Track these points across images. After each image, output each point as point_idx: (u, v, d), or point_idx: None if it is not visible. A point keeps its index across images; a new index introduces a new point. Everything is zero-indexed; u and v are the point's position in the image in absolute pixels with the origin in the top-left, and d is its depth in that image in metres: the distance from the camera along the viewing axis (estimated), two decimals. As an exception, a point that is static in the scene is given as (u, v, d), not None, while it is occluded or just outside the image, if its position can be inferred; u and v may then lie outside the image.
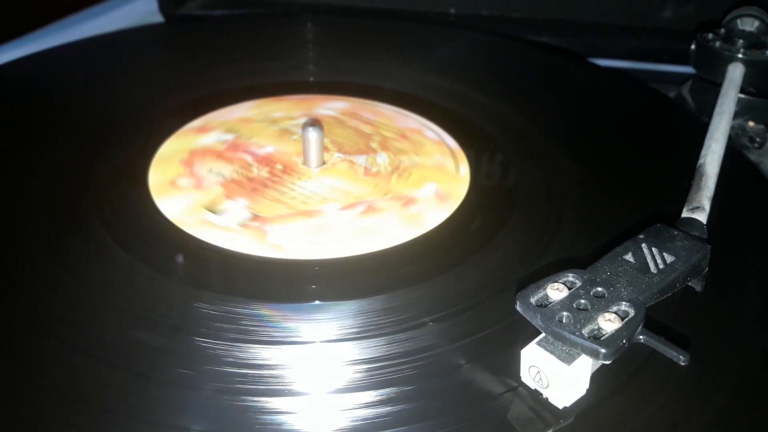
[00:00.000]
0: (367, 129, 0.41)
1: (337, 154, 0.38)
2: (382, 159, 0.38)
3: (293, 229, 0.34)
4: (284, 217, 0.34)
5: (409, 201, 0.35)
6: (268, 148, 0.39)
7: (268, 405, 0.25)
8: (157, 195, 0.36)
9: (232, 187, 0.36)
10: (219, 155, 0.39)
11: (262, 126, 0.42)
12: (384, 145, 0.40)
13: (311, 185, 0.37)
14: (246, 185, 0.36)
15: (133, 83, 0.47)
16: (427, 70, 0.49)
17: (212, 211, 0.34)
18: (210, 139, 0.40)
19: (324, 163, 0.38)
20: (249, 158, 0.39)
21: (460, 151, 0.40)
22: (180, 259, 0.32)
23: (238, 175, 0.37)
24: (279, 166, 0.38)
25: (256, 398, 0.25)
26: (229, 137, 0.40)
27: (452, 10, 0.59)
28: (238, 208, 0.35)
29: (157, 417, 0.25)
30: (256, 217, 0.34)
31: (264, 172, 0.37)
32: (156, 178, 0.37)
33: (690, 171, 0.35)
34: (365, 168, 0.37)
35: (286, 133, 0.41)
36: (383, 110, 0.44)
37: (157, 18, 0.60)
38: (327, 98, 0.45)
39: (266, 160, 0.39)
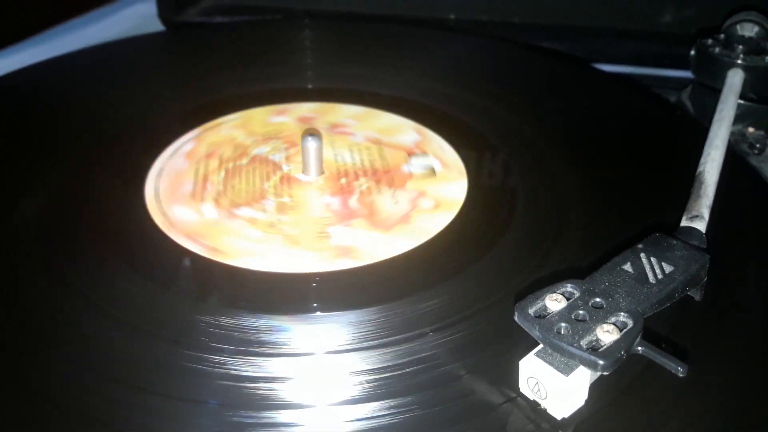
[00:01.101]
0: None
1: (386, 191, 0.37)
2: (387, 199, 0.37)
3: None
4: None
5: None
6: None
7: (269, 418, 0.25)
8: (153, 205, 0.36)
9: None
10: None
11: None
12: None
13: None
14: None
15: (132, 92, 0.47)
16: (425, 75, 0.49)
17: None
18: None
19: (323, 172, 0.38)
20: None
21: (457, 159, 0.40)
22: (184, 266, 0.32)
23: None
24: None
25: (256, 412, 0.25)
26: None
27: (452, 16, 0.59)
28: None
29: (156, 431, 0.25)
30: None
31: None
32: (154, 187, 0.37)
33: (690, 177, 0.35)
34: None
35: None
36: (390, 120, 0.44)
37: (156, 23, 0.60)
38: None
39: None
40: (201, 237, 0.34)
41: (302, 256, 0.33)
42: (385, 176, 0.38)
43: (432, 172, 0.39)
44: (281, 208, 0.36)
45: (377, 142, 0.41)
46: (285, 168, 0.39)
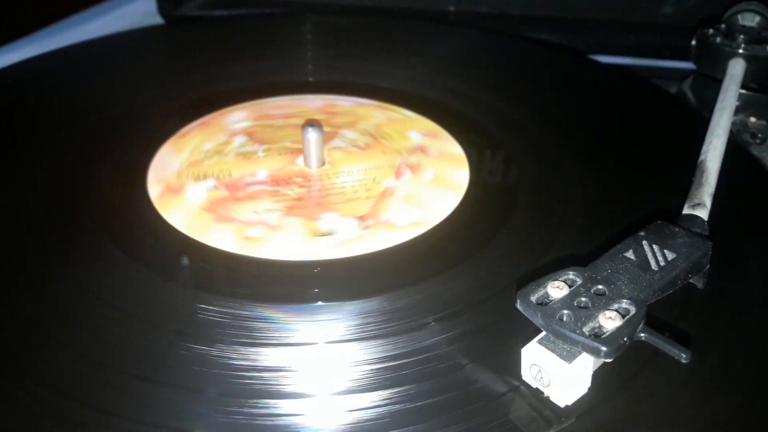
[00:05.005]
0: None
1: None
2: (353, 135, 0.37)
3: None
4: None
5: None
6: (261, 174, 0.38)
7: (271, 407, 0.25)
8: (156, 197, 0.36)
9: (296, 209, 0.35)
10: (237, 200, 0.36)
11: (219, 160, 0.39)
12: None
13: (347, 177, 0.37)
14: (305, 204, 0.35)
15: (132, 85, 0.47)
16: (426, 68, 0.49)
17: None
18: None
19: (324, 163, 0.38)
20: (267, 187, 0.37)
21: (459, 149, 0.40)
22: (184, 261, 0.32)
23: (287, 202, 0.35)
24: (298, 179, 0.37)
25: (259, 401, 0.25)
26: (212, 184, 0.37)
27: (452, 8, 0.59)
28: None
29: (160, 421, 0.25)
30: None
31: (299, 189, 0.36)
32: (155, 179, 0.37)
33: (691, 167, 0.35)
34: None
35: (246, 155, 0.39)
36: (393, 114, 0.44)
37: (156, 19, 0.60)
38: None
39: (281, 181, 0.37)
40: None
41: (301, 242, 0.33)
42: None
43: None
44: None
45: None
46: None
